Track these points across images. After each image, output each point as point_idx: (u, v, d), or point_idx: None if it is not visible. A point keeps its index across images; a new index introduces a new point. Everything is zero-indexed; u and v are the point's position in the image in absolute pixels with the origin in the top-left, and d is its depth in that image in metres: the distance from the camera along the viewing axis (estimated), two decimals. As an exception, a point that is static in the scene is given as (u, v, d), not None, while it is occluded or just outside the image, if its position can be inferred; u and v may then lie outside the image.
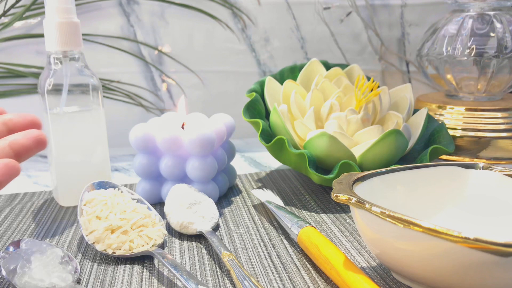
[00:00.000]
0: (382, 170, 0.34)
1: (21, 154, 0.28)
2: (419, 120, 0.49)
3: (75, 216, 0.42)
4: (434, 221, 0.27)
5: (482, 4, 0.57)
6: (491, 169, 0.34)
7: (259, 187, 0.48)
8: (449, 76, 0.59)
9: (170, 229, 0.39)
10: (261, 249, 0.35)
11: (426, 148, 0.48)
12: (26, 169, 0.57)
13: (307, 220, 0.39)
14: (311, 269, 0.32)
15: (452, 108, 0.57)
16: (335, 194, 0.28)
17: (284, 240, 0.36)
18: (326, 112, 0.47)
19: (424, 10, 0.73)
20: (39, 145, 0.29)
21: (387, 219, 0.25)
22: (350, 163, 0.41)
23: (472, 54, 0.55)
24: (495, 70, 0.56)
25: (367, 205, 0.27)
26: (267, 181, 0.51)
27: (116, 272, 0.32)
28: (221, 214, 0.42)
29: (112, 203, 0.36)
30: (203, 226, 0.37)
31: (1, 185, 0.26)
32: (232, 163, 0.48)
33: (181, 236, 0.38)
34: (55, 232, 0.39)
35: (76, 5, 0.44)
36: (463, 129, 0.55)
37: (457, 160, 0.55)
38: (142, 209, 0.37)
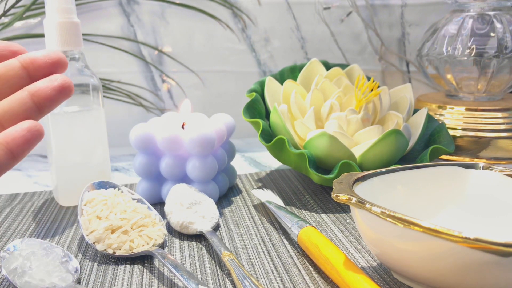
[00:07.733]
0: (382, 170, 0.34)
1: (44, 107, 0.24)
2: (419, 120, 0.49)
3: (75, 216, 0.42)
4: (434, 221, 0.27)
5: (482, 4, 0.57)
6: (491, 169, 0.34)
7: (259, 187, 0.48)
8: (449, 76, 0.59)
9: (170, 229, 0.39)
10: (262, 249, 0.35)
11: (426, 148, 0.48)
12: (26, 169, 0.57)
13: (307, 220, 0.39)
14: (311, 269, 0.32)
15: (452, 108, 0.57)
16: (335, 194, 0.28)
17: (284, 240, 0.36)
18: (326, 112, 0.47)
19: (424, 10, 0.73)
20: (65, 94, 0.24)
21: (387, 219, 0.25)
22: (350, 163, 0.41)
23: (472, 54, 0.55)
24: (495, 70, 0.56)
25: (367, 205, 0.27)
26: (267, 181, 0.51)
27: (116, 272, 0.32)
28: (221, 214, 0.42)
29: (112, 203, 0.36)
30: (203, 226, 0.37)
31: (25, 154, 0.23)
32: (232, 163, 0.48)
33: (181, 236, 0.38)
34: (55, 232, 0.39)
35: (76, 5, 0.44)
36: (463, 129, 0.55)
37: (457, 160, 0.55)
38: (142, 209, 0.37)
